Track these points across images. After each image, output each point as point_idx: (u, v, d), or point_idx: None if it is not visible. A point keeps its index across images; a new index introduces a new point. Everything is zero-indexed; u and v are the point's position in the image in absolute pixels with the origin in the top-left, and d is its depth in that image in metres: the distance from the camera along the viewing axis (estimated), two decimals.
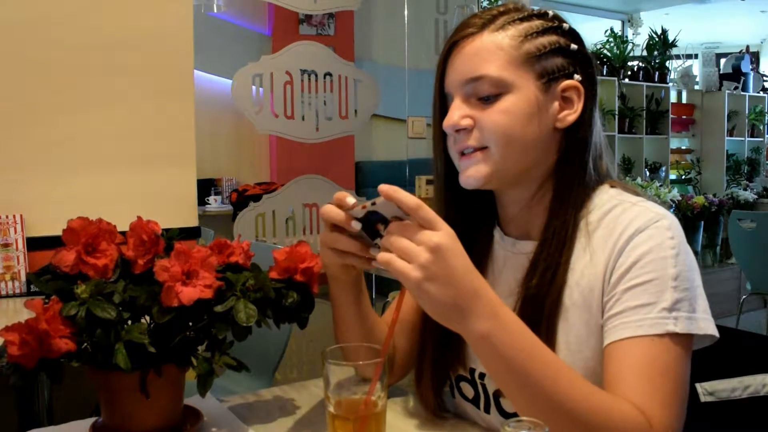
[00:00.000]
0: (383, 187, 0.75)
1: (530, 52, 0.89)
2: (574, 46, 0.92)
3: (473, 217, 1.00)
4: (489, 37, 0.90)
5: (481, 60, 0.89)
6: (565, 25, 0.93)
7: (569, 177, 0.92)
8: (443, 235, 0.73)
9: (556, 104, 0.91)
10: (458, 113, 0.90)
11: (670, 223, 0.86)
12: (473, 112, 0.89)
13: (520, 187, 0.94)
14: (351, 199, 0.82)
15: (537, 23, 0.91)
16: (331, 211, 0.84)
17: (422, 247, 0.72)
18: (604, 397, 0.77)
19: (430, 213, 0.74)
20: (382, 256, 0.75)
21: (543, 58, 0.89)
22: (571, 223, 0.90)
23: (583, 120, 0.92)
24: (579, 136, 0.92)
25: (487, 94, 0.88)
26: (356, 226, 0.81)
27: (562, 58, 0.91)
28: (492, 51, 0.89)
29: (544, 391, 0.75)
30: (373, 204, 0.77)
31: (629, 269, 0.84)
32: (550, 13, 0.94)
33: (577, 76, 0.91)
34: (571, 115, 0.91)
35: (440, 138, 0.96)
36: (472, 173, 0.91)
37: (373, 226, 0.81)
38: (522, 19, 0.91)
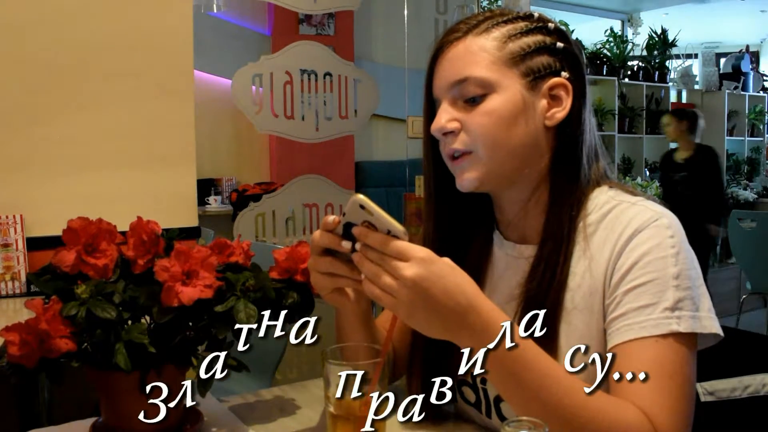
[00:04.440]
0: (357, 230, 0.75)
1: (514, 51, 0.89)
2: (560, 44, 0.91)
3: (471, 220, 1.00)
4: (473, 40, 0.90)
5: (465, 63, 0.89)
6: (550, 24, 0.93)
7: (564, 176, 0.91)
8: (416, 265, 0.72)
9: (544, 102, 0.90)
10: (445, 116, 0.90)
11: (669, 222, 0.86)
12: (460, 115, 0.90)
13: (515, 188, 0.93)
14: (332, 217, 0.79)
15: (521, 24, 0.91)
16: (321, 237, 0.80)
17: (399, 282, 0.72)
18: (605, 404, 0.76)
19: (398, 246, 0.73)
20: (371, 289, 0.75)
21: (528, 57, 0.89)
22: (568, 224, 0.89)
23: (573, 117, 0.91)
24: (570, 134, 0.91)
25: (473, 96, 0.89)
26: (346, 245, 0.78)
27: (547, 56, 0.90)
28: (476, 53, 0.89)
29: (542, 400, 0.75)
30: (344, 215, 0.77)
31: (629, 270, 0.84)
32: (536, 14, 0.93)
33: (564, 74, 0.91)
34: (559, 112, 0.90)
35: (429, 143, 0.96)
36: (466, 176, 0.90)
37: (352, 236, 0.78)
38: (506, 22, 0.91)
